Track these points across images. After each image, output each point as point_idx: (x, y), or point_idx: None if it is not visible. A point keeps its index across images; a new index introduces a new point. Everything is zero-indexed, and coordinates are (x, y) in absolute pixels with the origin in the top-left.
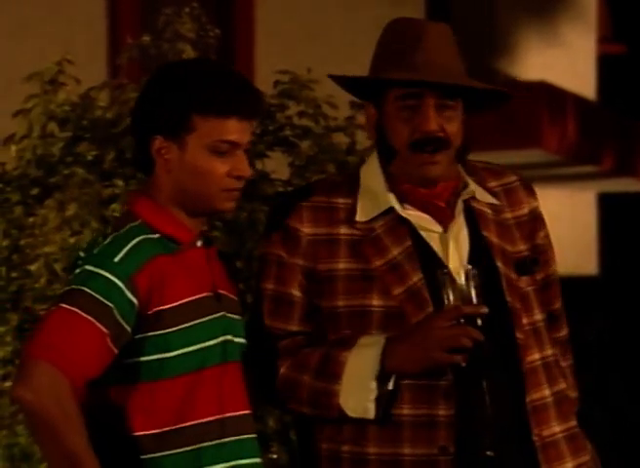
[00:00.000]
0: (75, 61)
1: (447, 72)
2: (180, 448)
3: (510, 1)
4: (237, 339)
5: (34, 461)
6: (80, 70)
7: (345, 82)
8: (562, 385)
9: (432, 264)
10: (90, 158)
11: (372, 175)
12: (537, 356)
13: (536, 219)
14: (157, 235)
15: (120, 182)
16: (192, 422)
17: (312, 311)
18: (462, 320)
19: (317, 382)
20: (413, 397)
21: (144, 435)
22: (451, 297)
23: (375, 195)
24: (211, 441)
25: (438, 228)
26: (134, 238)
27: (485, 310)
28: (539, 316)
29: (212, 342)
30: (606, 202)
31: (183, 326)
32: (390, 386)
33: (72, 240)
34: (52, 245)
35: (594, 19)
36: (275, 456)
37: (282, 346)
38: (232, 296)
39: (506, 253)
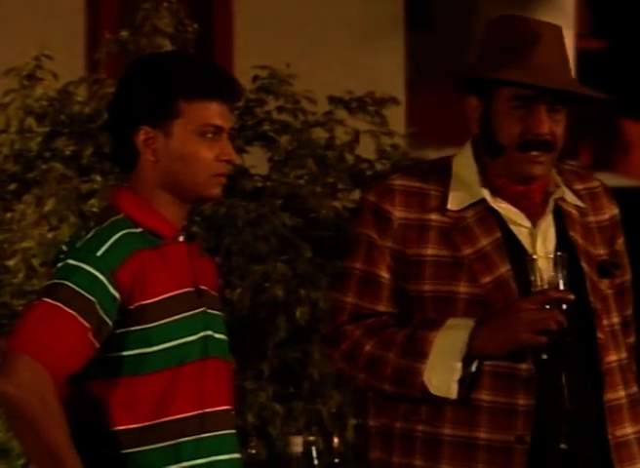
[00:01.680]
0: (53, 56)
1: (564, 77)
2: (160, 442)
3: None
4: (217, 335)
5: (12, 457)
6: (58, 65)
7: (457, 76)
8: (635, 388)
9: (519, 257)
10: (68, 153)
11: (465, 165)
12: (614, 357)
13: (615, 226)
14: (140, 229)
15: (98, 177)
16: (172, 417)
17: (398, 293)
18: (547, 305)
19: (402, 360)
20: (492, 383)
21: (125, 429)
22: (538, 282)
23: (467, 185)
24: (190, 436)
25: (527, 223)
26: (116, 232)
27: (572, 296)
28: (616, 319)
29: (192, 338)
30: None
31: (165, 321)
32: (473, 368)
33: (50, 235)
34: (30, 240)
35: (572, 14)
36: (254, 452)
37: (368, 324)
38: (213, 292)
39: (590, 255)
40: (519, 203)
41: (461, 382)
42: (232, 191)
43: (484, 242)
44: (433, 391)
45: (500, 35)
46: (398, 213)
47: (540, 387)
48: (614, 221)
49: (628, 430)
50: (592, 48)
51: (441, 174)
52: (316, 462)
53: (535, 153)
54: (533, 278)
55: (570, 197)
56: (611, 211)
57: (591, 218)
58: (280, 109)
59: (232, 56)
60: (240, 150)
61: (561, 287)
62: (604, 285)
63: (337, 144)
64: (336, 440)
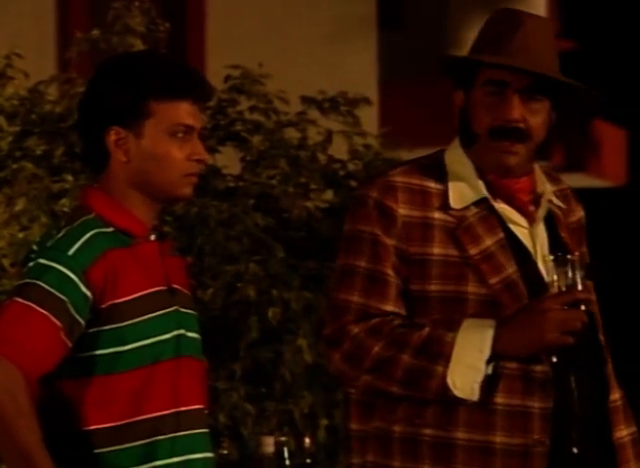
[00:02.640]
0: (24, 55)
1: (541, 64)
2: (135, 441)
3: None
4: (190, 334)
5: None
6: (29, 64)
7: (441, 64)
8: (622, 391)
9: (522, 257)
10: (39, 152)
11: (458, 162)
12: (609, 359)
13: (582, 228)
14: (111, 229)
15: (69, 177)
16: (147, 416)
17: (403, 293)
18: (566, 306)
19: (417, 361)
20: (507, 386)
21: (99, 429)
22: (555, 283)
23: (465, 183)
24: (165, 434)
25: (525, 223)
26: (87, 231)
27: (594, 297)
28: (600, 321)
29: (166, 336)
30: None
31: (138, 319)
32: (489, 370)
33: (21, 235)
34: (0, 240)
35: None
36: (226, 452)
37: (373, 325)
38: (186, 291)
39: (582, 260)
40: (512, 202)
41: (480, 385)
42: (204, 191)
43: (488, 242)
44: (457, 393)
45: (487, 27)
46: (402, 210)
47: (555, 390)
48: (581, 224)
49: (624, 432)
50: (565, 49)
51: (437, 170)
52: (288, 462)
53: (506, 143)
54: (551, 278)
55: (554, 198)
56: (579, 213)
57: (567, 220)
58: (252, 109)
59: (204, 55)
60: (212, 150)
61: (579, 287)
62: (589, 287)
63: (309, 144)
64: (307, 440)
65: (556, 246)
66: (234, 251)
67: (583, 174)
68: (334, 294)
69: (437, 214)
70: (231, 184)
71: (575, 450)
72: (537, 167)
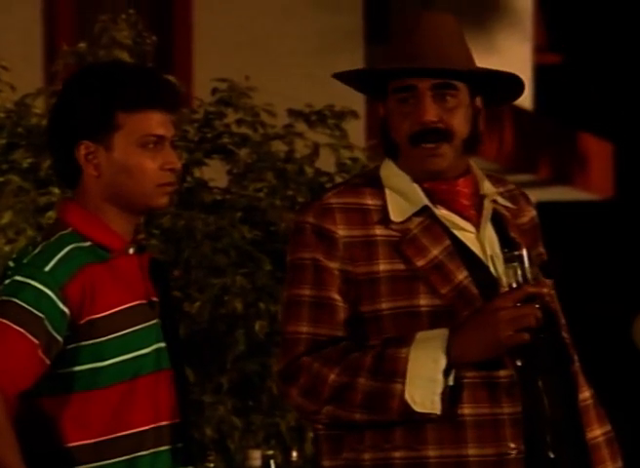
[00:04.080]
0: (10, 68)
1: (438, 59)
2: (116, 457)
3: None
4: None
5: None
6: (15, 77)
7: (345, 80)
8: (592, 389)
9: (472, 263)
10: (25, 165)
11: (393, 175)
12: (576, 357)
13: (536, 228)
14: (88, 243)
15: (56, 190)
16: (128, 431)
17: (352, 317)
18: (519, 303)
19: (374, 382)
20: (473, 396)
21: (79, 445)
22: (507, 281)
23: (404, 194)
24: (147, 450)
25: (471, 228)
26: (64, 247)
27: (547, 290)
28: (563, 319)
29: (146, 350)
30: (543, 210)
31: (117, 334)
32: (451, 382)
33: (7, 248)
34: None
35: (530, 28)
36: (212, 465)
37: (326, 354)
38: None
39: (531, 256)
40: (451, 207)
41: (442, 397)
42: (191, 204)
43: (435, 251)
44: (418, 408)
45: (395, 36)
46: (341, 231)
47: (522, 394)
48: (534, 223)
49: (597, 432)
50: (549, 62)
51: (373, 187)
52: None
53: (429, 145)
54: (501, 277)
55: (500, 199)
56: (530, 213)
57: (518, 220)
58: (239, 122)
59: (191, 68)
60: (199, 163)
61: (530, 283)
62: (549, 285)
63: (296, 157)
64: (294, 453)
65: (507, 246)
66: (221, 263)
67: (570, 187)
68: (283, 328)
69: (379, 231)
70: (218, 197)
71: (551, 455)
72: (474, 167)
